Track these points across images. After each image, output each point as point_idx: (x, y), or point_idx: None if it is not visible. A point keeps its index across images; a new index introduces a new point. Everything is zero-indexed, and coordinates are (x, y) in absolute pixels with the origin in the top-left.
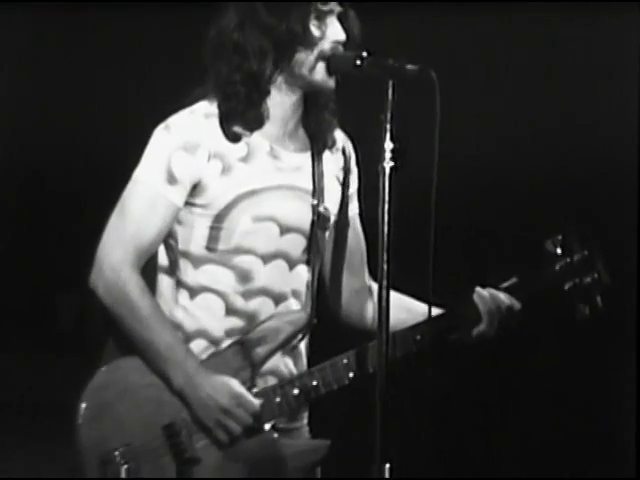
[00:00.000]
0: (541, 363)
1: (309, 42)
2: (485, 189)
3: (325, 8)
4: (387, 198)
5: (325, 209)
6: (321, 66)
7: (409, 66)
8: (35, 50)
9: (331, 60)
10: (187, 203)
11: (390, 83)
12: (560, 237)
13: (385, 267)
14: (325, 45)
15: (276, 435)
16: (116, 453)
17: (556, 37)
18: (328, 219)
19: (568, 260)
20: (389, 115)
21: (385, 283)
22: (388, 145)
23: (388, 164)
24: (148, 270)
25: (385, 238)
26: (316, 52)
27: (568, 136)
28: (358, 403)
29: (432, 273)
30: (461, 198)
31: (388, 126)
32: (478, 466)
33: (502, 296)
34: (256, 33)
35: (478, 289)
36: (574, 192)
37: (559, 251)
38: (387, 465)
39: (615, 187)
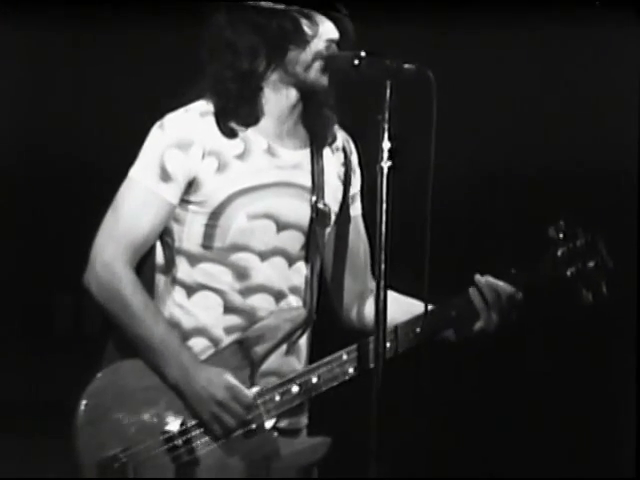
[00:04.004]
0: (539, 358)
1: (301, 40)
2: (484, 187)
3: None
4: (385, 198)
5: (325, 205)
6: (316, 65)
7: (406, 66)
8: (32, 50)
9: (329, 60)
10: (183, 201)
11: (388, 83)
12: (562, 223)
13: (383, 267)
14: (319, 44)
15: (276, 434)
16: (114, 457)
17: (555, 35)
18: (328, 216)
19: (570, 245)
20: (387, 115)
21: (383, 283)
22: (386, 145)
23: (386, 164)
24: (146, 270)
25: (383, 238)
26: (310, 51)
27: (565, 126)
28: (357, 406)
29: (429, 267)
30: (461, 195)
31: (386, 126)
32: (474, 466)
33: (502, 284)
34: (248, 31)
35: (477, 278)
36: (574, 184)
37: (561, 236)
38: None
39: (616, 176)
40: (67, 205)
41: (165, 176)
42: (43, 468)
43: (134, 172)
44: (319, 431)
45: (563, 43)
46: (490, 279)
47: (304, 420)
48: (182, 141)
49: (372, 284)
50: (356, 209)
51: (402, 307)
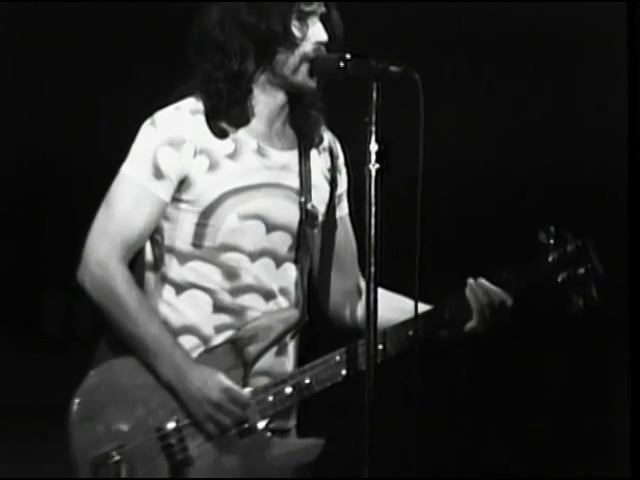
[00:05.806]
0: (533, 359)
1: (290, 42)
2: (474, 190)
3: (308, 9)
4: (374, 200)
5: (313, 207)
6: (304, 67)
7: (392, 67)
8: (24, 49)
9: (315, 62)
10: (174, 199)
11: (374, 85)
12: (553, 228)
13: (372, 269)
14: (307, 46)
15: (269, 434)
16: (108, 455)
17: (545, 33)
18: (316, 217)
19: (561, 251)
20: (374, 117)
21: (372, 286)
22: (373, 147)
23: (374, 166)
24: (137, 268)
25: (372, 240)
26: (298, 53)
27: (556, 129)
28: (346, 405)
29: (419, 269)
30: (451, 198)
31: (373, 128)
32: (468, 466)
33: (494, 289)
34: (237, 32)
35: (470, 282)
36: (564, 188)
37: (552, 242)
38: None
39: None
40: (57, 204)
41: (158, 174)
42: (37, 468)
43: (126, 169)
44: (308, 432)
45: (554, 41)
46: (483, 282)
47: (292, 422)
48: (174, 139)
49: (362, 282)
50: (343, 209)
51: (397, 306)
